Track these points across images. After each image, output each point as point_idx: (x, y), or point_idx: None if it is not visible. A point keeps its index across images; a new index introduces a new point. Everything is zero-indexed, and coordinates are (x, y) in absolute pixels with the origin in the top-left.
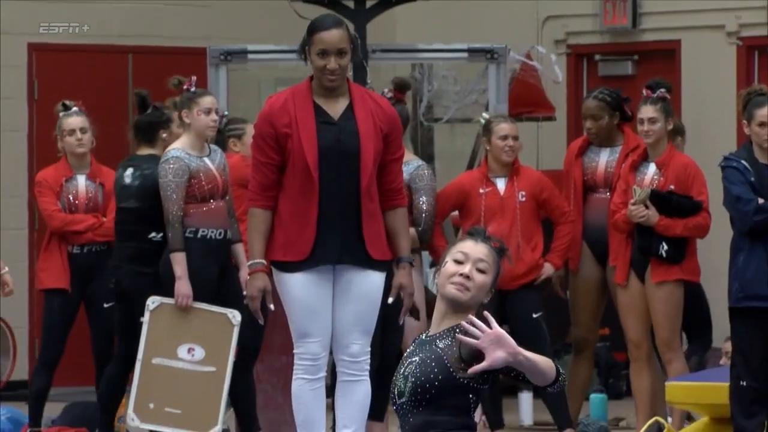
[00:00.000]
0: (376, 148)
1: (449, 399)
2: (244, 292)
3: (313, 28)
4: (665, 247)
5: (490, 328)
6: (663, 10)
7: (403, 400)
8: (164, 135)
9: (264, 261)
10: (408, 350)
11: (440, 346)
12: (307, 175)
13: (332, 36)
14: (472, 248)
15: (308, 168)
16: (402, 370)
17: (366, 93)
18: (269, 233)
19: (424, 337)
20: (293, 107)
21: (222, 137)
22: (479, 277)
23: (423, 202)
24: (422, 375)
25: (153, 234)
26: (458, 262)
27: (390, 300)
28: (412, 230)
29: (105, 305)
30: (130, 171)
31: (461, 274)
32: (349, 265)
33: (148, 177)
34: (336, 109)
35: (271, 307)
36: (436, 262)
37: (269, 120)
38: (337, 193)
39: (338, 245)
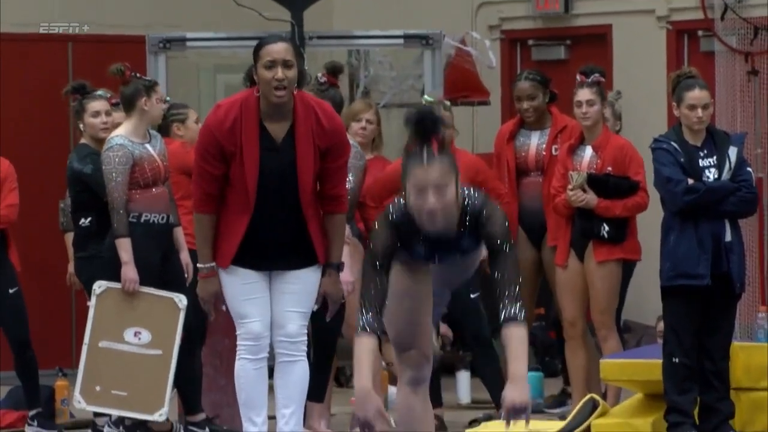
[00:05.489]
0: (314, 169)
1: None
2: (198, 294)
3: (259, 45)
4: (606, 228)
5: None
6: None
7: None
8: (81, 126)
9: (214, 264)
10: None
11: None
12: (245, 196)
13: (279, 47)
14: None
15: (247, 190)
16: None
17: (311, 110)
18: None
19: None
20: (240, 130)
21: (165, 122)
22: None
23: (347, 180)
24: None
25: (82, 220)
26: None
27: (315, 307)
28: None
29: (10, 291)
30: None
31: None
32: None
33: (67, 166)
34: (280, 131)
35: (223, 308)
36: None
37: (216, 136)
38: (275, 208)
39: (271, 254)
